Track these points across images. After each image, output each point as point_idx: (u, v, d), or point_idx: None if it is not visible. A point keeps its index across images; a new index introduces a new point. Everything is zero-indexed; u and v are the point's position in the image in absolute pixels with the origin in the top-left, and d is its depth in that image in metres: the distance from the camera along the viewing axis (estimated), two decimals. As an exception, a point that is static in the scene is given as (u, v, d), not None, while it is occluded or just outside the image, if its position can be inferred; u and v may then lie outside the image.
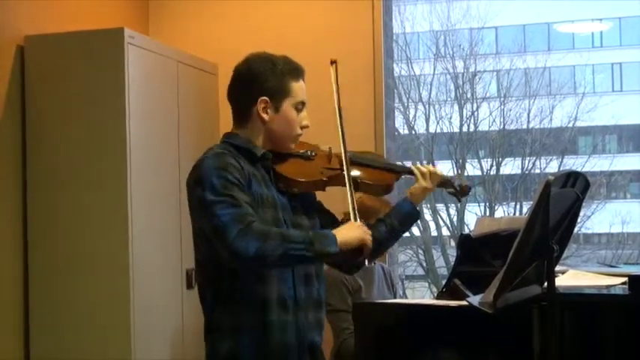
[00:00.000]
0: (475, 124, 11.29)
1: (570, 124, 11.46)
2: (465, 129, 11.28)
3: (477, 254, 2.75)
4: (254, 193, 2.45)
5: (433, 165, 2.80)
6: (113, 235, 3.67)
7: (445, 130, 11.31)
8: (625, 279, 2.63)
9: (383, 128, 4.59)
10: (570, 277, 2.88)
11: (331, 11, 4.67)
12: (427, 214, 10.61)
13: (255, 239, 2.32)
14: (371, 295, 3.69)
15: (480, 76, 11.51)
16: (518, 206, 11.09)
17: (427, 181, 2.72)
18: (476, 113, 11.28)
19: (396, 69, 10.45)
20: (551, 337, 2.27)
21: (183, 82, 4.17)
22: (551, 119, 11.36)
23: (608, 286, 2.73)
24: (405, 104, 11.22)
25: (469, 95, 11.37)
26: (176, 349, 3.97)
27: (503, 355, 2.46)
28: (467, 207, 10.87)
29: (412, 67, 11.44)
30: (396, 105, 9.89)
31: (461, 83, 11.36)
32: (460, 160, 11.20)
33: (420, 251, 10.59)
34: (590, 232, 11.64)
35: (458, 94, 11.38)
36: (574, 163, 11.27)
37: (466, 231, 2.85)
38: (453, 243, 10.68)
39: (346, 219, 2.54)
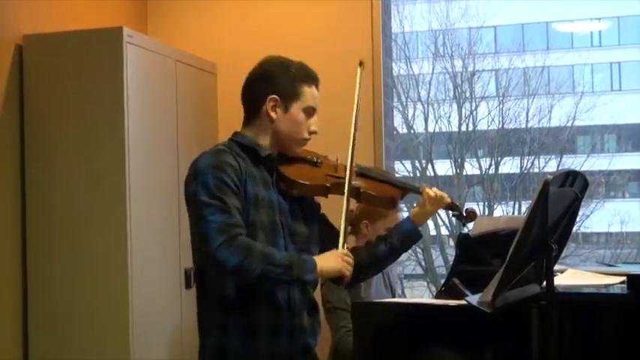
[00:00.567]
0: (474, 124, 11.29)
1: (569, 124, 11.47)
2: (463, 128, 11.29)
3: (475, 253, 2.75)
4: (248, 192, 2.45)
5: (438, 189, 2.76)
6: (112, 234, 3.66)
7: (444, 130, 11.32)
8: (624, 278, 2.63)
9: (382, 127, 4.59)
10: (569, 277, 2.89)
11: (330, 10, 4.66)
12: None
13: (238, 253, 2.33)
14: (369, 294, 3.68)
15: (478, 75, 11.51)
16: (516, 205, 11.10)
17: (433, 206, 2.72)
18: (475, 112, 11.29)
19: (395, 68, 10.45)
20: (549, 336, 2.27)
21: (181, 82, 4.17)
22: (549, 118, 11.37)
23: (606, 286, 2.74)
24: (404, 103, 11.22)
25: (468, 94, 11.37)
26: (175, 348, 3.97)
27: (502, 354, 2.46)
28: (466, 206, 10.84)
29: (411, 67, 11.44)
30: (394, 104, 9.91)
31: (460, 82, 11.36)
32: (459, 160, 11.20)
33: (419, 250, 10.58)
34: (588, 231, 11.64)
35: (457, 94, 11.39)
36: (573, 162, 11.27)
37: (465, 230, 2.83)
38: (451, 242, 10.68)
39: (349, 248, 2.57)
